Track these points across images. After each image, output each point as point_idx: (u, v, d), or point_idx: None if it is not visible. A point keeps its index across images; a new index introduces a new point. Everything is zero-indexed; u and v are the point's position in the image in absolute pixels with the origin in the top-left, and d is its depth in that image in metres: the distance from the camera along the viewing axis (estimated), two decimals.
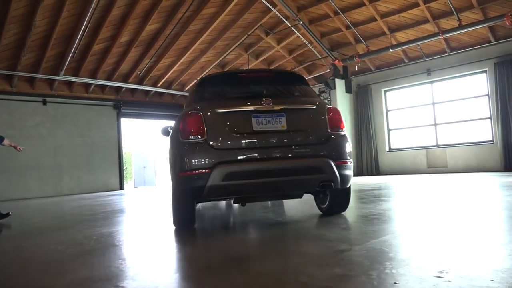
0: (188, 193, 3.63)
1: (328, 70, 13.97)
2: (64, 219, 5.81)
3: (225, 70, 14.76)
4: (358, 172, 13.71)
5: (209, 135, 3.50)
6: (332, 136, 3.75)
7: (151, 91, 15.03)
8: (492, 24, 10.47)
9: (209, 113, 3.58)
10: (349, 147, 3.90)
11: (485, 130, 11.42)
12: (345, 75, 13.75)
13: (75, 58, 11.41)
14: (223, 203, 6.37)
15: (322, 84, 13.68)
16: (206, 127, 3.51)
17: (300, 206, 5.21)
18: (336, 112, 3.90)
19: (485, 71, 11.35)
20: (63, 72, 11.71)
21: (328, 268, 2.21)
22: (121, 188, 14.43)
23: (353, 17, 12.07)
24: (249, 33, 12.31)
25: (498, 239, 2.71)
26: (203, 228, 4.11)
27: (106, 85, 13.68)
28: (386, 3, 11.27)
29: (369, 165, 13.55)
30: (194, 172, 3.43)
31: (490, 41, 11.24)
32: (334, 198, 4.09)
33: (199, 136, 3.50)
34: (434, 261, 2.20)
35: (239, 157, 3.47)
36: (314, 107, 3.83)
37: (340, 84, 13.60)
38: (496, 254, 2.29)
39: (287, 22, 11.92)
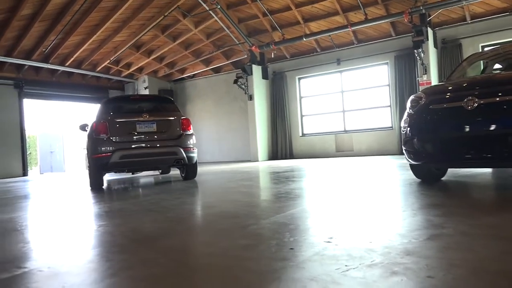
0: (99, 167, 6.26)
1: (246, 56, 14.19)
2: None
3: (140, 52, 14.27)
4: (273, 156, 14.25)
5: (111, 134, 6.10)
6: (183, 134, 6.53)
7: (58, 70, 14.01)
8: (393, 20, 11.45)
9: (111, 122, 6.20)
10: (193, 140, 6.65)
11: (385, 117, 12.54)
12: (262, 62, 14.09)
13: None
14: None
15: (239, 69, 13.86)
16: (109, 130, 6.12)
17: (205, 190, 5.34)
18: (186, 120, 6.70)
19: (387, 63, 12.40)
20: None
21: (234, 240, 2.37)
22: (25, 174, 13.38)
23: (270, 5, 12.36)
24: (165, 14, 12.00)
25: (387, 210, 3.09)
26: (113, 209, 4.06)
27: (5, 62, 12.46)
28: None
29: (284, 149, 14.13)
30: (102, 154, 6.04)
31: (391, 36, 12.28)
32: (188, 170, 6.94)
33: (105, 135, 6.09)
34: (327, 230, 2.47)
35: (128, 146, 6.14)
36: (173, 118, 6.61)
37: (257, 70, 13.91)
38: (381, 223, 2.63)
39: (204, 5, 11.84)
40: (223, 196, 4.69)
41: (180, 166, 6.89)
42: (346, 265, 1.71)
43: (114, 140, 6.05)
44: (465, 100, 3.50)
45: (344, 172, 6.97)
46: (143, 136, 6.17)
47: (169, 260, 2.03)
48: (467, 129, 3.56)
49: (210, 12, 12.15)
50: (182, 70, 16.29)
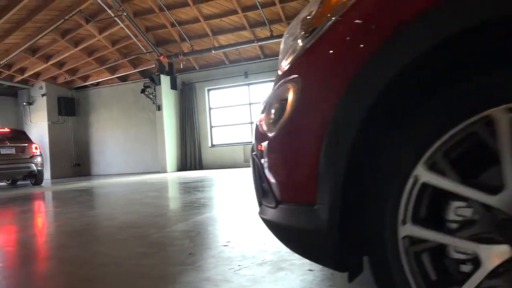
0: None
1: (154, 66, 13.93)
2: None
3: (36, 56, 13.22)
4: (182, 167, 14.11)
5: None
6: (34, 155, 9.54)
7: None
8: None
9: None
10: (41, 158, 9.88)
11: None
12: (170, 72, 13.95)
13: None
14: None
15: (147, 79, 13.56)
16: None
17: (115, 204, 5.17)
18: (36, 146, 9.71)
19: None
20: None
21: (132, 248, 2.35)
22: None
23: (178, 16, 12.35)
24: (66, 17, 11.33)
25: None
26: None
27: None
28: (209, 7, 11.92)
29: (193, 160, 14.08)
30: None
31: None
32: (36, 178, 10.02)
33: None
34: (227, 235, 2.58)
35: None
36: (27, 144, 9.31)
37: (165, 80, 13.74)
38: None
39: (110, 11, 11.42)
40: (126, 207, 4.57)
41: (32, 176, 10.21)
42: (239, 265, 1.82)
43: None
44: None
45: (250, 181, 7.19)
46: (5, 156, 9.44)
47: (60, 272, 1.96)
48: None
49: (116, 19, 11.76)
50: (85, 78, 15.43)
